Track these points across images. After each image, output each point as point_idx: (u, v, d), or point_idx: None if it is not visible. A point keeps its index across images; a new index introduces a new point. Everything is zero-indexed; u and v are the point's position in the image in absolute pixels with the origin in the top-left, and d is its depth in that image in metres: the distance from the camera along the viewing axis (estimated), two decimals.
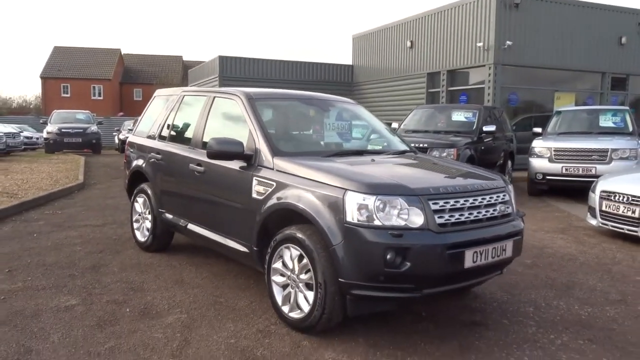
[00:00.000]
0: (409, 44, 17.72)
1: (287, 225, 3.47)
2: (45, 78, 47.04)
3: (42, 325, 3.45)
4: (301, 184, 3.38)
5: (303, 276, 3.34)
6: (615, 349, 3.29)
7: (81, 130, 20.43)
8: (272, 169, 3.65)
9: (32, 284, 4.29)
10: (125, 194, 6.00)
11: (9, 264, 4.81)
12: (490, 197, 3.42)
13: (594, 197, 6.46)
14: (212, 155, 3.84)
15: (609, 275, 4.85)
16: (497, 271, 3.59)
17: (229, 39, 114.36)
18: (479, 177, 3.69)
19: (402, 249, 2.96)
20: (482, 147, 9.59)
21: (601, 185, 6.44)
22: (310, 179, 3.34)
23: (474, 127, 9.76)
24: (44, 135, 20.52)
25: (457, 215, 3.19)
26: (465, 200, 3.26)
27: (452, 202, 3.19)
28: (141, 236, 5.40)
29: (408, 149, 4.62)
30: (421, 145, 8.64)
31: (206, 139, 4.28)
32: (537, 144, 9.70)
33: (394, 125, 10.89)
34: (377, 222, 3.00)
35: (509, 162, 11.49)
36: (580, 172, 8.93)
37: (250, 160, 3.82)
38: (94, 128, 21.03)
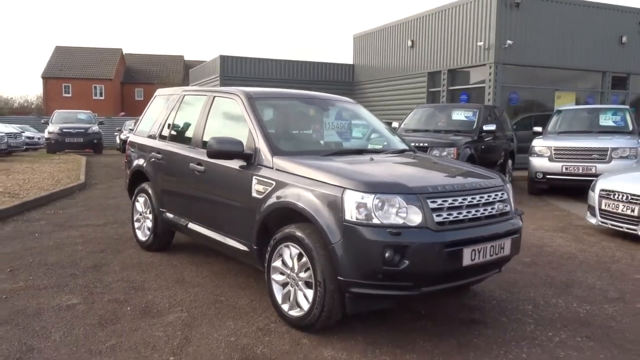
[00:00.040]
0: (409, 43, 17.74)
1: (287, 224, 3.49)
2: (46, 78, 47.14)
3: (43, 324, 3.48)
4: (300, 183, 3.40)
5: (302, 274, 3.36)
6: (613, 346, 3.31)
7: (82, 130, 20.47)
8: (272, 168, 3.67)
9: (33, 283, 4.32)
10: (126, 194, 6.03)
11: (10, 264, 4.84)
12: (489, 196, 3.44)
13: (594, 196, 6.48)
14: (212, 154, 3.87)
15: (608, 274, 4.87)
16: (495, 269, 3.62)
17: (230, 38, 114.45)
18: (477, 175, 3.71)
19: (401, 247, 2.98)
20: (483, 146, 9.61)
21: (601, 184, 6.45)
22: (310, 178, 3.37)
23: (474, 126, 9.77)
24: (46, 135, 20.56)
25: (455, 213, 3.21)
26: (463, 199, 3.28)
27: (450, 200, 3.21)
28: (142, 235, 5.43)
29: (407, 148, 4.64)
30: (421, 144, 8.67)
31: (206, 138, 4.30)
32: (537, 143, 9.71)
33: (395, 124, 10.91)
34: (375, 221, 3.03)
35: (510, 161, 11.51)
36: (580, 171, 8.94)
37: (250, 159, 3.84)
38: (95, 128, 21.08)
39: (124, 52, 51.74)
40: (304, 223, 3.35)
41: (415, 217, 3.06)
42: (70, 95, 46.86)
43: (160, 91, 5.87)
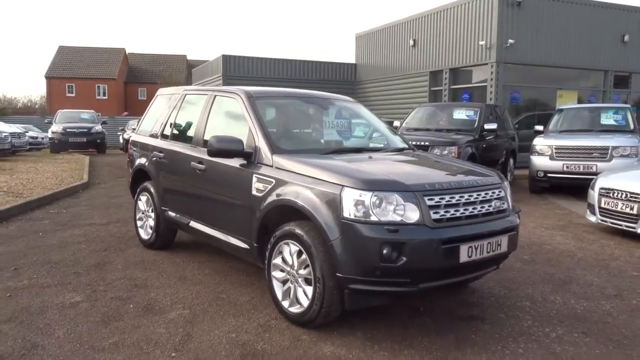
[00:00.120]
0: (411, 42, 17.75)
1: (287, 221, 3.54)
2: (50, 78, 47.31)
3: (47, 321, 3.53)
4: (300, 181, 3.45)
5: (302, 271, 3.41)
6: (608, 342, 3.34)
7: (86, 130, 20.58)
8: (272, 166, 3.72)
9: (37, 281, 4.37)
10: (129, 193, 6.08)
11: (15, 262, 4.90)
12: (486, 193, 3.48)
13: (593, 194, 6.50)
14: (213, 153, 3.92)
15: (606, 271, 4.90)
16: (493, 266, 3.65)
17: (232, 38, 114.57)
18: (475, 173, 3.74)
19: (398, 244, 3.03)
20: (484, 145, 9.64)
21: (600, 182, 6.48)
22: (309, 176, 3.41)
23: (475, 125, 9.81)
24: (49, 135, 20.67)
25: (452, 210, 3.25)
26: (460, 196, 3.32)
27: (447, 198, 3.25)
28: (144, 234, 5.49)
29: (406, 146, 4.68)
30: (422, 143, 8.71)
31: (207, 137, 4.35)
32: (538, 142, 9.73)
33: (396, 123, 10.95)
34: (373, 218, 3.07)
35: (511, 160, 11.54)
36: (581, 169, 8.97)
37: (250, 157, 3.89)
38: (98, 128, 21.18)
39: (127, 52, 51.88)
40: (304, 220, 3.40)
41: (412, 214, 3.11)
42: (73, 95, 47.02)
43: (161, 91, 5.92)
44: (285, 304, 3.53)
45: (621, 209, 6.06)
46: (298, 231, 3.36)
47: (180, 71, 49.53)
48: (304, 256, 3.35)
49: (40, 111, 45.25)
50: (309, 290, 3.34)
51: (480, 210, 3.41)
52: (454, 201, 3.27)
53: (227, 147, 3.85)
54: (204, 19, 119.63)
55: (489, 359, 3.08)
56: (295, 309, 3.46)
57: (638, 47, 16.25)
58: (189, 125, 4.96)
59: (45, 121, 24.98)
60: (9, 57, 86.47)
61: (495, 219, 3.49)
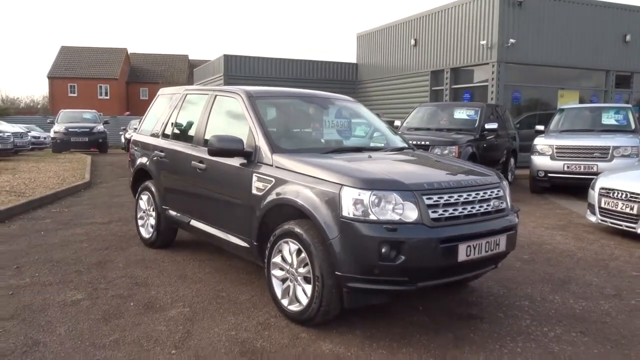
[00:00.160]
0: (413, 42, 17.77)
1: (286, 220, 3.56)
2: (52, 78, 47.43)
3: (49, 318, 3.56)
4: (299, 180, 3.47)
5: (301, 270, 3.43)
6: (606, 341, 3.36)
7: (88, 130, 20.63)
8: (272, 165, 3.74)
9: (39, 279, 4.40)
10: (130, 193, 6.11)
11: (17, 261, 4.94)
12: (485, 193, 3.50)
13: (594, 194, 6.51)
14: (213, 152, 3.94)
15: (606, 271, 4.91)
16: (491, 265, 3.67)
17: (234, 37, 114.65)
18: (474, 173, 3.76)
19: (397, 243, 3.04)
20: (484, 145, 9.65)
21: (600, 182, 6.49)
22: (308, 175, 3.43)
23: (476, 124, 9.82)
24: (51, 134, 20.73)
25: (451, 210, 3.27)
26: (459, 196, 3.33)
27: (446, 197, 3.27)
28: (146, 233, 5.51)
29: (406, 146, 4.70)
30: (423, 142, 8.72)
31: (208, 136, 4.37)
32: (539, 142, 9.74)
33: (397, 123, 10.97)
34: (372, 217, 3.09)
35: (512, 160, 11.54)
36: (582, 169, 8.97)
37: (250, 157, 3.91)
38: (100, 127, 21.23)
39: (128, 52, 51.97)
40: (303, 219, 3.42)
41: (411, 213, 3.12)
42: (75, 94, 47.12)
43: (163, 90, 5.94)
44: (285, 302, 3.55)
45: (621, 209, 6.07)
46: (297, 230, 3.38)
47: (182, 71, 49.61)
48: (303, 255, 3.37)
49: (42, 111, 45.38)
50: (308, 288, 3.36)
51: (478, 210, 3.42)
52: (452, 200, 3.29)
53: (227, 147, 3.88)
54: (206, 18, 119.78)
55: (487, 357, 3.10)
56: (294, 307, 3.48)
57: None
58: (189, 124, 4.98)
59: (48, 121, 25.06)
60: (11, 57, 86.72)
61: (494, 218, 3.50)
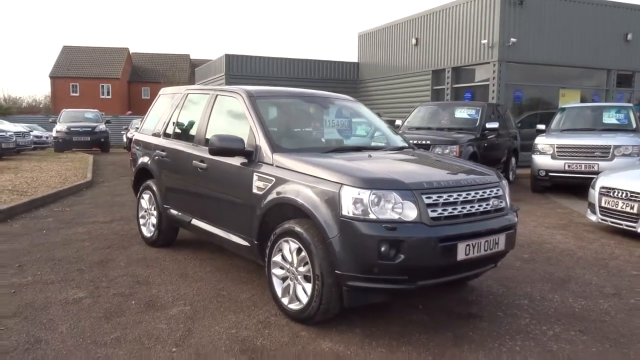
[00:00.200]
0: (414, 41, 17.77)
1: (287, 219, 3.58)
2: (54, 77, 47.51)
3: (51, 316, 3.59)
4: (299, 179, 3.49)
5: (301, 269, 3.45)
6: (605, 340, 3.37)
7: (90, 129, 20.68)
8: (272, 164, 3.76)
9: (41, 278, 4.43)
10: (132, 192, 6.13)
11: (19, 259, 4.96)
12: (484, 192, 3.51)
13: (594, 193, 6.52)
14: (214, 151, 3.96)
15: (606, 270, 4.92)
16: (491, 264, 3.68)
17: (235, 37, 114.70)
18: (473, 172, 3.77)
19: (396, 242, 3.06)
20: (485, 144, 9.66)
21: (601, 182, 6.49)
22: (308, 174, 3.45)
23: (477, 124, 9.83)
24: (53, 134, 20.76)
25: (450, 209, 3.28)
26: (458, 195, 3.35)
27: (445, 196, 3.28)
28: (147, 232, 5.54)
29: (406, 145, 4.72)
30: (424, 142, 8.74)
31: (209, 136, 4.38)
32: (540, 141, 9.74)
33: (398, 122, 10.98)
34: (371, 216, 3.10)
35: (513, 159, 11.55)
36: (583, 168, 8.97)
37: (251, 156, 3.93)
38: (102, 127, 21.26)
39: (130, 51, 52.04)
40: (303, 218, 3.43)
41: (410, 212, 3.14)
42: (77, 94, 47.21)
43: (164, 90, 5.97)
44: (285, 300, 3.57)
45: (621, 208, 6.07)
46: (298, 229, 3.40)
47: (183, 70, 49.65)
48: (304, 254, 3.38)
49: (44, 110, 45.48)
50: (308, 287, 3.38)
51: (478, 209, 3.43)
52: (451, 199, 3.31)
53: (228, 146, 3.90)
54: (207, 18, 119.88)
55: (486, 356, 3.11)
56: (294, 306, 3.50)
57: None
58: (191, 124, 5.00)
59: (50, 120, 25.08)
60: (13, 57, 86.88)
61: (493, 218, 3.51)
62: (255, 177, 3.83)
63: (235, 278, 4.48)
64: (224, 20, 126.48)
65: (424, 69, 17.39)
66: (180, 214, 4.93)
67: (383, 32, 19.92)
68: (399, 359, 3.05)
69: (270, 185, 3.69)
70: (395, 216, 3.12)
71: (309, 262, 3.33)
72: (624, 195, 6.06)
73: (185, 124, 5.12)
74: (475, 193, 3.45)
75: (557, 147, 9.34)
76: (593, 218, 6.57)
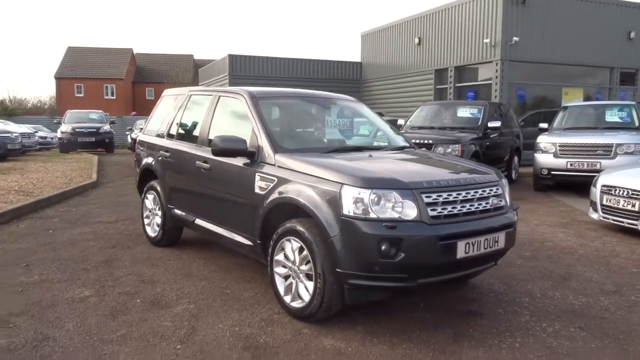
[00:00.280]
0: (416, 40, 17.79)
1: (289, 218, 3.63)
2: (59, 78, 47.74)
3: (58, 314, 3.65)
4: (301, 179, 3.54)
5: (303, 267, 3.50)
6: (604, 336, 3.40)
7: (94, 130, 20.81)
8: (274, 165, 3.81)
9: (48, 277, 4.50)
10: (136, 192, 6.20)
11: (26, 259, 5.04)
12: (483, 191, 3.55)
13: (595, 191, 6.54)
14: (217, 152, 4.02)
15: (607, 268, 4.95)
16: (490, 262, 3.72)
17: (239, 37, 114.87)
18: (473, 171, 3.81)
19: (396, 240, 3.10)
20: (488, 143, 9.69)
21: (602, 180, 6.52)
22: (309, 174, 3.50)
23: (479, 123, 9.86)
24: (58, 135, 20.92)
25: (449, 208, 3.33)
26: (457, 194, 3.39)
27: (444, 195, 3.32)
28: (151, 231, 5.60)
29: (407, 145, 4.76)
30: (426, 141, 8.77)
31: (212, 136, 4.43)
32: (542, 140, 9.75)
33: (400, 122, 11.01)
34: (372, 215, 3.15)
35: (516, 158, 11.56)
36: (585, 167, 8.97)
37: (253, 156, 3.98)
38: (107, 127, 21.40)
39: (134, 52, 52.20)
40: (305, 218, 3.48)
41: (410, 211, 3.18)
42: (82, 95, 47.42)
43: (167, 91, 6.03)
44: (287, 298, 3.62)
45: (623, 206, 6.10)
46: (299, 228, 3.45)
47: (187, 71, 49.74)
48: (305, 252, 3.43)
49: (49, 111, 45.64)
50: (310, 285, 3.43)
51: (477, 208, 3.47)
52: (451, 198, 3.35)
53: (230, 147, 3.95)
54: (211, 18, 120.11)
55: (486, 352, 3.15)
56: (296, 304, 3.55)
57: None
58: (194, 125, 5.06)
59: (55, 121, 25.26)
60: (19, 58, 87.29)
61: (493, 216, 3.55)
62: (257, 177, 3.89)
63: (238, 277, 4.53)
64: (227, 20, 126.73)
65: (427, 69, 17.41)
66: (184, 213, 4.99)
67: (386, 31, 19.94)
68: (400, 356, 3.09)
69: (272, 185, 3.74)
70: (396, 215, 3.17)
71: (311, 260, 3.38)
72: (625, 193, 6.08)
73: (189, 124, 5.18)
74: (475, 192, 3.49)
75: (559, 146, 9.35)
76: (595, 216, 6.59)
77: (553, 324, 3.58)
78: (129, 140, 23.70)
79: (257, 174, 3.90)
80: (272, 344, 3.24)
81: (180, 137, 5.18)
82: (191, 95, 5.35)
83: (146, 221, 5.71)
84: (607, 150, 8.87)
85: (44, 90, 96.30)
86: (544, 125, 10.60)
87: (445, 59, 16.55)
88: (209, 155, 4.34)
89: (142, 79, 51.49)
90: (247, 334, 3.37)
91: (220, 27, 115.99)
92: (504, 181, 3.86)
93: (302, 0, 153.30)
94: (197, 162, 4.62)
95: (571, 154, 9.18)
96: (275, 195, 3.68)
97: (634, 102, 11.10)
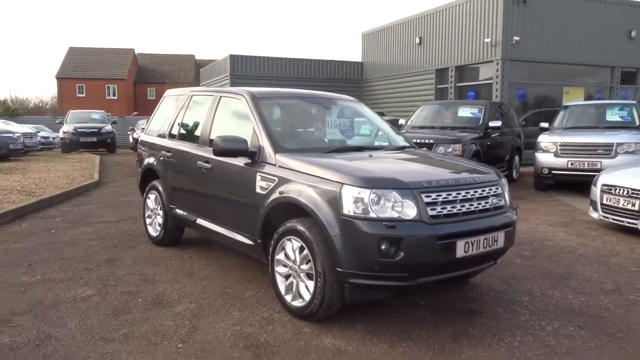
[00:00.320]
0: (417, 40, 17.80)
1: (289, 218, 3.65)
2: (60, 78, 47.84)
3: (60, 314, 3.68)
4: (301, 179, 3.56)
5: (304, 266, 3.52)
6: (603, 335, 3.42)
7: (96, 130, 20.85)
8: (275, 165, 3.83)
9: (50, 276, 4.53)
10: (138, 192, 6.23)
11: (28, 258, 5.07)
12: (482, 190, 3.57)
13: (596, 191, 6.55)
14: (218, 152, 4.04)
15: (606, 267, 4.96)
16: (490, 261, 3.74)
17: (240, 37, 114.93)
18: (472, 171, 3.83)
19: (396, 240, 3.13)
20: (488, 143, 9.70)
21: (602, 179, 6.53)
22: (310, 174, 3.52)
23: (480, 122, 9.87)
24: (60, 135, 20.96)
25: (449, 207, 3.34)
26: (457, 193, 3.41)
27: (444, 195, 3.34)
28: (153, 231, 5.63)
29: (408, 144, 4.78)
30: (427, 141, 8.79)
31: (213, 137, 4.46)
32: (543, 139, 9.76)
33: (401, 121, 11.02)
34: (372, 215, 3.17)
35: (517, 157, 11.57)
36: (586, 166, 8.98)
37: (254, 156, 4.00)
38: (108, 127, 21.44)
39: (136, 52, 52.28)
40: (305, 217, 3.50)
41: (410, 211, 3.20)
42: (84, 95, 47.52)
43: (169, 92, 6.05)
44: (288, 298, 3.65)
45: (623, 205, 6.11)
46: (300, 228, 3.47)
47: (188, 71, 49.81)
48: (306, 252, 3.46)
49: (51, 111, 45.81)
50: (311, 284, 3.45)
51: (477, 207, 3.49)
52: (450, 198, 3.37)
53: (232, 147, 3.98)
54: (212, 18, 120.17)
55: (485, 351, 3.17)
56: (297, 303, 3.57)
57: None
58: (195, 125, 5.09)
59: (57, 121, 25.31)
60: (20, 58, 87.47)
61: (492, 215, 3.57)
62: (258, 177, 3.91)
63: (239, 276, 4.56)
64: (228, 20, 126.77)
65: (428, 68, 17.41)
66: (185, 213, 5.01)
67: (386, 31, 19.95)
68: (400, 354, 3.11)
69: (273, 185, 3.76)
70: (395, 215, 3.19)
71: (311, 260, 3.41)
72: (625, 192, 6.09)
73: (190, 125, 5.21)
74: (475, 191, 3.51)
75: (560, 145, 9.36)
76: (595, 215, 6.60)
77: (552, 323, 3.60)
78: (131, 140, 23.78)
79: (258, 173, 3.92)
80: (272, 342, 3.26)
81: (181, 137, 5.20)
82: (192, 95, 5.37)
83: (148, 221, 5.74)
84: (607, 150, 8.88)
85: (45, 91, 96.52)
86: (545, 124, 10.60)
87: (446, 59, 16.55)
88: (210, 155, 4.36)
89: (144, 79, 51.58)
90: (248, 332, 3.39)
91: (222, 28, 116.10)
92: (504, 181, 3.88)
93: (303, 0, 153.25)
94: (198, 162, 4.64)
95: (572, 154, 9.18)
96: (276, 195, 3.71)
97: (634, 102, 11.10)
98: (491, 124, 9.60)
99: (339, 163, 3.64)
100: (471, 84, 15.98)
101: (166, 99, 5.93)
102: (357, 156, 4.00)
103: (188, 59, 53.69)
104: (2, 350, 3.11)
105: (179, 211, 5.13)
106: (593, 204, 6.66)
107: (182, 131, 5.25)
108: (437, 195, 3.32)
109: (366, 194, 3.19)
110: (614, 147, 8.84)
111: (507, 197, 3.80)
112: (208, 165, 4.50)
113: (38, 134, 20.92)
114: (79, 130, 20.38)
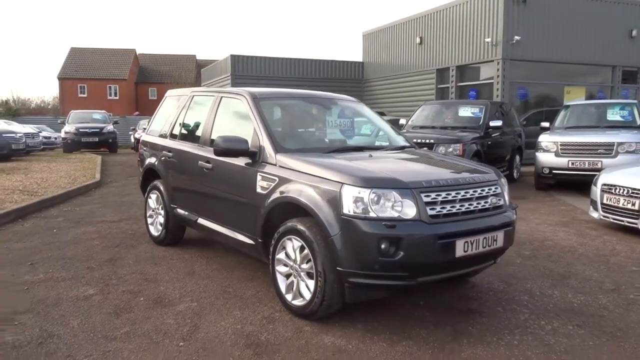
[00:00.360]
0: (418, 40, 17.81)
1: (290, 218, 3.67)
2: (62, 79, 47.93)
3: (62, 312, 3.71)
4: (302, 179, 3.58)
5: (304, 266, 3.54)
6: (602, 334, 3.44)
7: (98, 130, 20.90)
8: (275, 164, 3.85)
9: (52, 275, 4.56)
10: (139, 192, 6.25)
11: (30, 258, 5.10)
12: (482, 190, 3.59)
13: (596, 190, 6.56)
14: (219, 152, 4.07)
15: (606, 266, 4.97)
16: (490, 261, 3.76)
17: (241, 37, 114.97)
18: (472, 170, 3.85)
19: (396, 239, 3.15)
20: (489, 142, 9.71)
21: (603, 179, 6.54)
22: (310, 174, 3.54)
23: (481, 122, 9.88)
24: (62, 135, 21.00)
25: (448, 207, 3.36)
26: (457, 193, 3.43)
27: (443, 194, 3.36)
28: (155, 231, 5.66)
29: (408, 144, 4.80)
30: (428, 140, 8.81)
31: (214, 137, 4.48)
32: (544, 139, 9.76)
33: (402, 121, 11.04)
34: (372, 214, 3.19)
35: (517, 157, 11.58)
36: (587, 166, 8.98)
37: (255, 156, 4.03)
38: (110, 127, 21.48)
39: (137, 53, 52.37)
40: (306, 217, 3.52)
41: (409, 210, 3.22)
42: (85, 95, 47.60)
43: (170, 92, 6.08)
44: (289, 297, 3.67)
45: (623, 205, 6.12)
46: (300, 227, 3.49)
47: (189, 71, 49.87)
48: (306, 251, 3.48)
49: (53, 112, 45.89)
50: (311, 284, 3.48)
51: (476, 207, 3.51)
52: (450, 198, 3.38)
53: (232, 147, 4.00)
54: (213, 19, 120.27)
55: (484, 350, 3.19)
56: (298, 302, 3.59)
57: None
58: (196, 125, 5.11)
59: (58, 121, 25.33)
60: (22, 59, 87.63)
61: (492, 215, 3.59)
62: (259, 177, 3.93)
63: (240, 275, 4.58)
64: (229, 21, 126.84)
65: (429, 68, 17.43)
66: (186, 213, 5.04)
67: (387, 31, 19.96)
68: (399, 353, 3.13)
69: (273, 184, 3.79)
70: (395, 214, 3.20)
71: (312, 259, 3.43)
72: (625, 192, 6.10)
73: (191, 125, 5.23)
74: (474, 191, 3.53)
75: (560, 145, 9.36)
76: (595, 215, 6.61)
77: (551, 322, 3.62)
78: (132, 140, 23.83)
79: (258, 173, 3.94)
80: (273, 341, 3.28)
81: (182, 138, 5.23)
82: (193, 95, 5.40)
83: (149, 220, 5.76)
84: (608, 149, 8.88)
85: (47, 91, 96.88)
86: (546, 124, 10.60)
87: (446, 59, 16.56)
88: (211, 155, 4.39)
89: (145, 79, 51.66)
90: (249, 331, 3.42)
91: (223, 28, 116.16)
92: (503, 180, 3.90)
93: (303, 0, 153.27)
94: (199, 162, 4.66)
95: (573, 153, 9.19)
96: (276, 194, 3.73)
97: (635, 101, 11.08)
98: (492, 123, 9.61)
99: (339, 163, 3.66)
100: (472, 84, 15.99)
101: (167, 99, 5.95)
102: (357, 156, 4.02)
103: (189, 59, 53.76)
104: (5, 348, 3.14)
105: (180, 211, 5.15)
106: (593, 203, 6.68)
107: (184, 131, 5.28)
108: (437, 195, 3.33)
109: (366, 194, 3.21)
110: (614, 147, 8.84)
111: (506, 197, 3.82)
112: (209, 165, 4.52)
113: (40, 134, 20.95)
114: (80, 130, 20.43)
